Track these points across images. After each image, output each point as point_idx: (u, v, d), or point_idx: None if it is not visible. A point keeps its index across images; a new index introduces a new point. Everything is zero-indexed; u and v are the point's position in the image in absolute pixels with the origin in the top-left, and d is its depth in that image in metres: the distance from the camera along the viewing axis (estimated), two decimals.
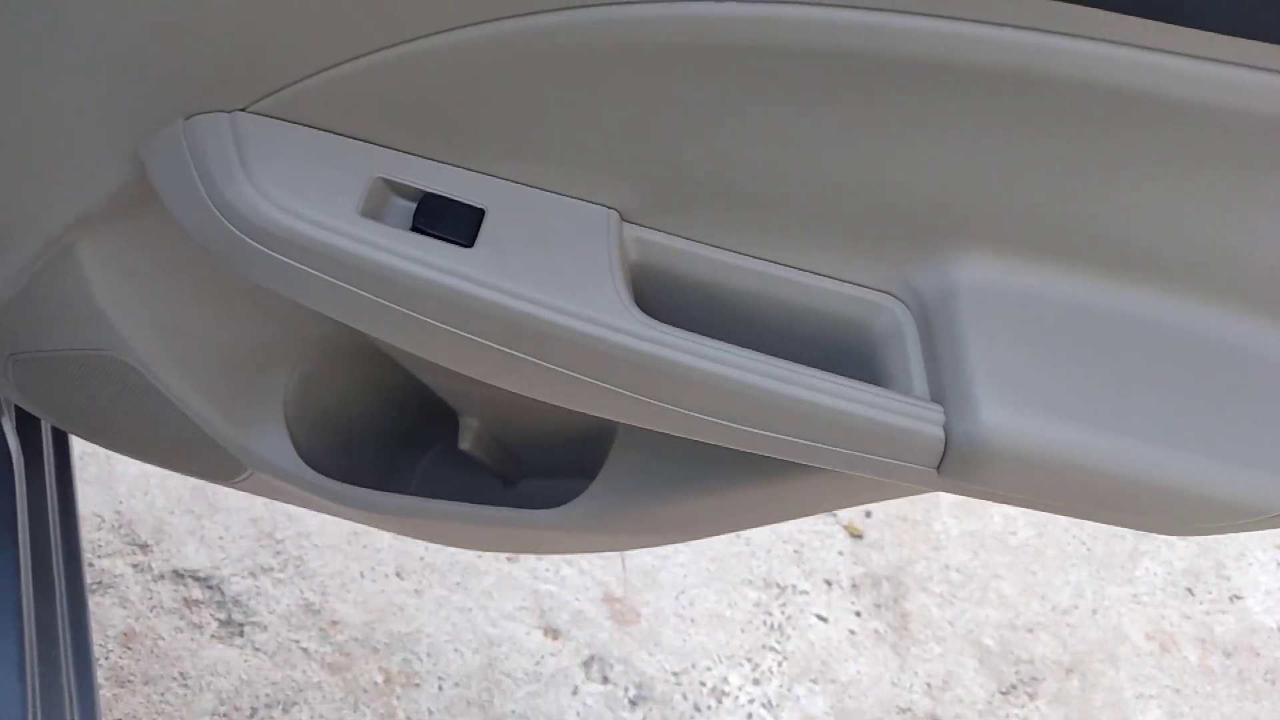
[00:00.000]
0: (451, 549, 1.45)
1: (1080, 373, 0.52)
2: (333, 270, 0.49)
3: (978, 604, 1.66)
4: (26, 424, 0.98)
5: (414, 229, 0.50)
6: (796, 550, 1.67)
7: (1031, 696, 1.56)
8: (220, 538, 1.40)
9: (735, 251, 0.54)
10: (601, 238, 0.51)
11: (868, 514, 1.74)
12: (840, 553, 1.69)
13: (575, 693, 1.40)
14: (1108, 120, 0.46)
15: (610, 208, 0.52)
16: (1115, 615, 1.67)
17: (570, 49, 0.45)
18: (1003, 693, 1.56)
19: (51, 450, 1.03)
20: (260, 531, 1.42)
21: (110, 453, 0.83)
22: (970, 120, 0.47)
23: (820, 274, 0.55)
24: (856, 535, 1.72)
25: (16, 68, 0.51)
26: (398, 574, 1.44)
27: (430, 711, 1.33)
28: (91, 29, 0.48)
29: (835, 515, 1.72)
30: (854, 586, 1.65)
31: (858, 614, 1.62)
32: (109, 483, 1.41)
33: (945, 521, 1.77)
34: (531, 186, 0.52)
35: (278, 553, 1.40)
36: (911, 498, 1.79)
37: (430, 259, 0.49)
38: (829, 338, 0.56)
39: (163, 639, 1.30)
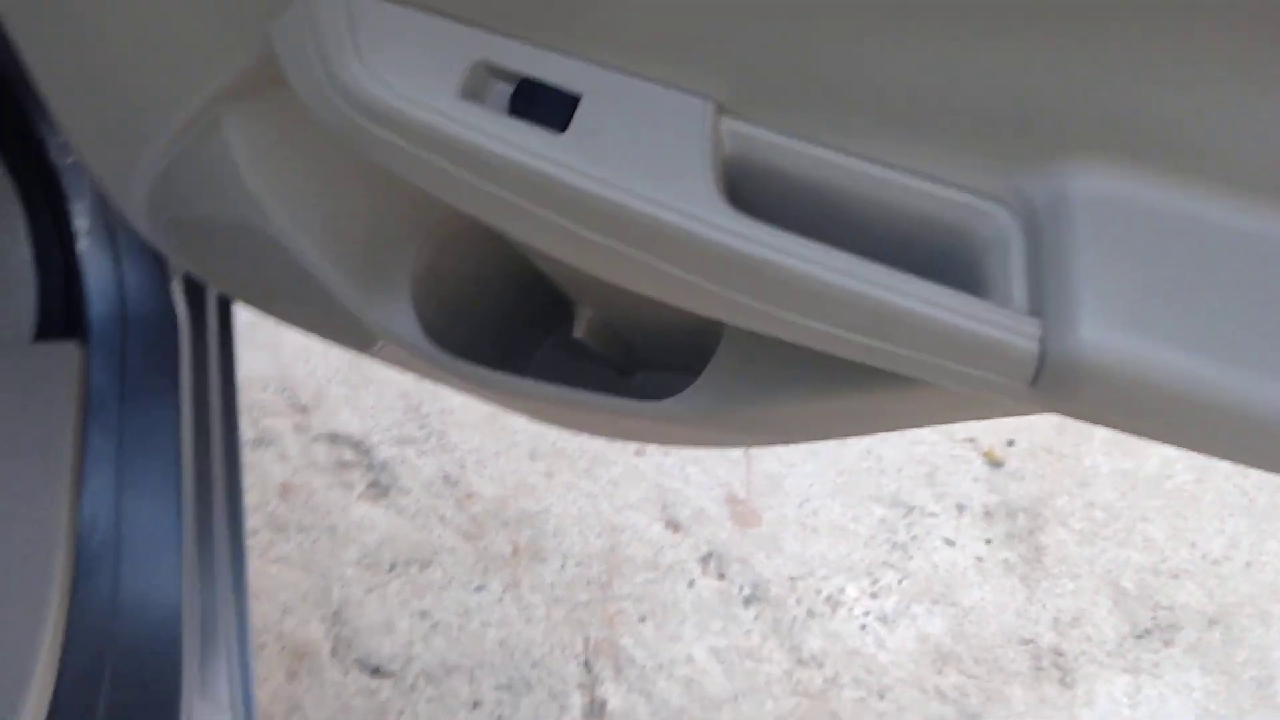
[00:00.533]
0: (581, 437, 1.50)
1: (1196, 298, 0.48)
2: (433, 149, 0.51)
3: (1120, 545, 1.59)
4: (194, 289, 1.07)
5: (510, 111, 0.51)
6: (929, 472, 1.64)
7: (1167, 644, 1.49)
8: (372, 407, 1.50)
9: (835, 149, 0.53)
10: (696, 129, 0.51)
11: (1010, 442, 1.68)
12: (976, 479, 1.65)
13: (691, 585, 1.44)
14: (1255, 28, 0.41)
15: (708, 98, 0.52)
16: (1273, 571, 1.56)
17: None
18: (1136, 636, 1.50)
19: (217, 312, 1.13)
20: (408, 405, 1.51)
21: (277, 322, 0.90)
22: (1103, 12, 0.43)
23: (926, 176, 0.53)
24: (996, 463, 1.67)
25: None
26: (531, 456, 1.50)
27: (552, 585, 1.40)
28: None
29: (974, 440, 1.67)
30: (987, 514, 1.61)
31: (988, 541, 1.58)
32: (275, 349, 1.52)
33: (1095, 458, 1.69)
34: (629, 74, 0.52)
35: (422, 426, 1.49)
36: (1061, 430, 1.72)
37: (520, 141, 0.50)
38: (929, 243, 0.54)
39: (315, 494, 1.41)
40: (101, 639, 0.87)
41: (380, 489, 1.43)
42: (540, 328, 0.92)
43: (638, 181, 0.49)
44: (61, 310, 0.95)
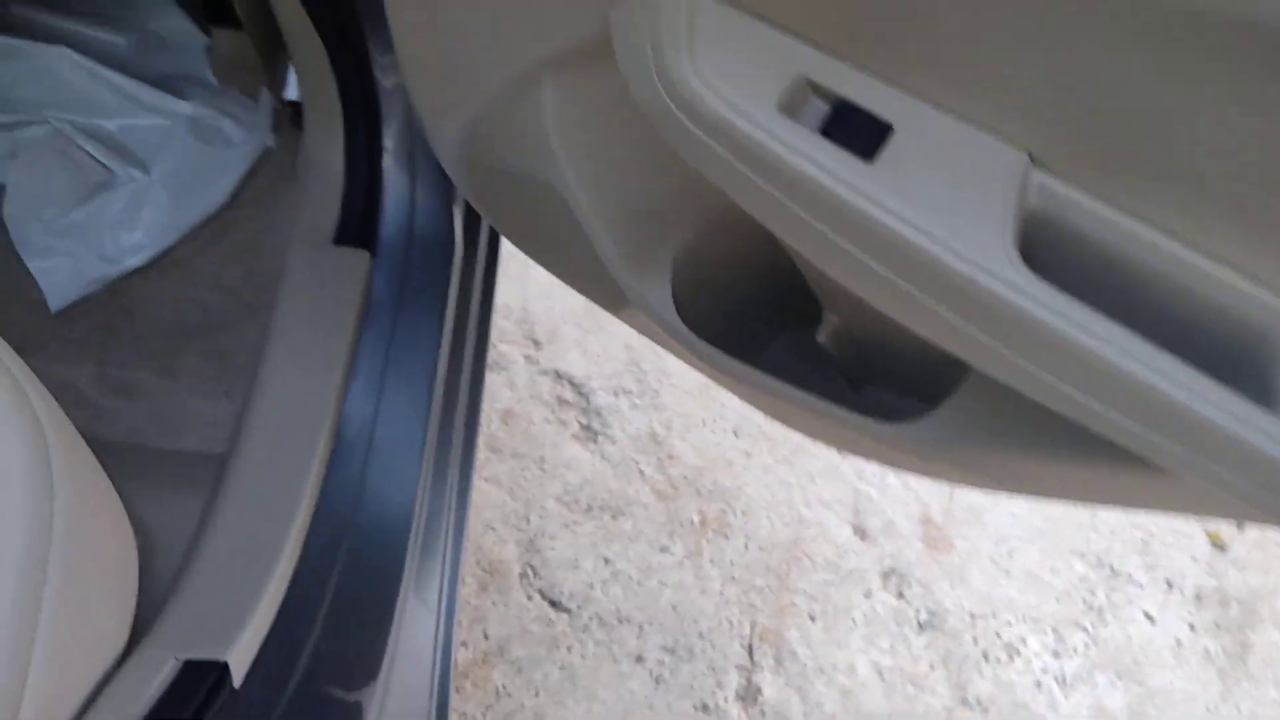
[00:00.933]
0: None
1: None
2: (744, 157, 0.54)
3: None
4: (472, 218, 1.15)
5: (823, 132, 0.53)
6: (1145, 539, 1.55)
7: None
8: (598, 354, 1.56)
9: (1148, 224, 0.51)
10: (1005, 179, 0.50)
11: (1241, 526, 1.56)
12: (1194, 558, 1.54)
13: (868, 596, 1.44)
14: None
15: (1023, 148, 0.51)
16: None
17: None
18: None
19: (486, 245, 1.21)
20: (630, 359, 1.57)
21: (528, 258, 0.97)
22: None
23: (1235, 268, 0.51)
24: (1220, 546, 1.56)
25: None
26: (734, 432, 1.53)
27: (732, 563, 1.43)
28: None
29: (1199, 518, 1.56)
30: (1198, 597, 1.51)
31: (1192, 626, 1.48)
32: (523, 282, 1.62)
33: None
34: (947, 111, 0.52)
35: (640, 380, 1.55)
36: None
37: (829, 165, 0.52)
38: (1219, 336, 0.52)
39: (533, 425, 1.50)
40: (344, 521, 0.97)
41: (591, 433, 1.50)
42: (781, 322, 0.94)
43: (937, 225, 0.50)
44: (359, 220, 1.05)
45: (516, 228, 0.97)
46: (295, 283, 1.03)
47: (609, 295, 0.93)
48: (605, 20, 0.62)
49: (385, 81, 1.07)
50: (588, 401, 1.52)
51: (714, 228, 0.85)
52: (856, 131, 0.52)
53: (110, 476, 0.82)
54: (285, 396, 0.98)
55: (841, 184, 0.52)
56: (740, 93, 0.53)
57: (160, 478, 0.99)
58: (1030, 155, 0.51)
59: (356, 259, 1.04)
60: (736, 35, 0.54)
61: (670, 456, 1.49)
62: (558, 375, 1.55)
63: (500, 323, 1.57)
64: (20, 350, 1.14)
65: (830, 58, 0.54)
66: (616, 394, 1.53)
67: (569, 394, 1.53)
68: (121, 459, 1.06)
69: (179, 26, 1.31)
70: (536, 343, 1.57)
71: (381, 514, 1.01)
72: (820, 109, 0.54)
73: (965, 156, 0.51)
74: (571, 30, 0.65)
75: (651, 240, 0.83)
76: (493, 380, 1.52)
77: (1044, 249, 0.54)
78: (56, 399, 1.17)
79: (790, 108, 0.53)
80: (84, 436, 1.10)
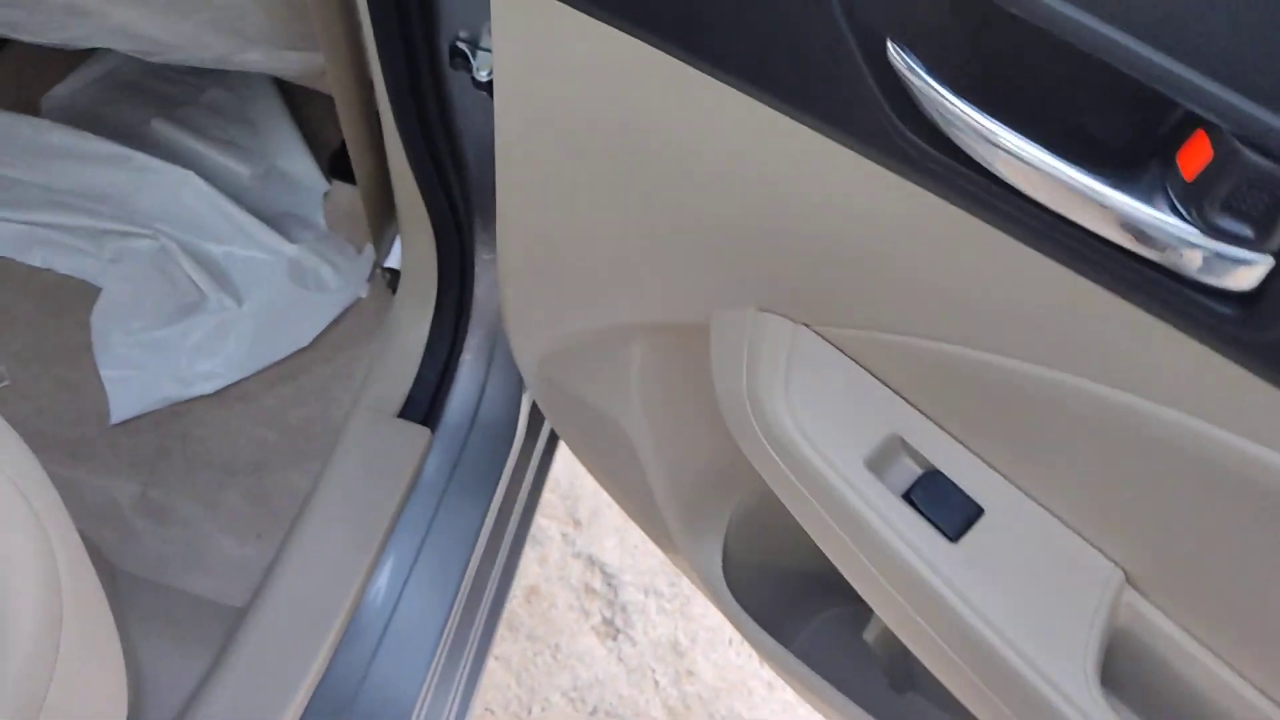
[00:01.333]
0: None
1: None
2: (823, 500, 0.52)
3: None
4: (537, 410, 1.14)
5: (907, 496, 0.51)
6: None
7: None
8: (636, 546, 1.53)
9: (1232, 667, 0.48)
10: (1095, 595, 0.48)
11: None
12: None
13: None
14: None
15: (1119, 566, 0.49)
16: None
17: (1142, 435, 0.43)
18: None
19: (546, 436, 1.20)
20: (667, 560, 1.53)
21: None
22: None
23: None
24: None
25: (647, 214, 0.60)
26: (760, 659, 1.47)
27: None
28: (713, 217, 0.55)
29: None
30: None
31: None
32: (574, 458, 1.60)
33: None
34: (1042, 505, 0.50)
35: (673, 584, 1.50)
36: None
37: (911, 537, 0.49)
38: None
39: (555, 608, 1.46)
40: (343, 706, 0.94)
41: (612, 629, 1.45)
42: (830, 599, 0.90)
43: (1018, 629, 0.47)
44: (428, 398, 1.05)
45: (580, 445, 0.96)
46: (351, 448, 1.03)
47: (658, 532, 0.91)
48: (705, 315, 0.62)
49: (481, 274, 1.09)
50: (615, 594, 1.48)
51: (767, 497, 0.83)
52: (944, 506, 0.50)
53: (122, 610, 0.80)
54: (314, 566, 0.96)
55: (921, 559, 0.49)
56: (830, 440, 0.52)
57: (169, 622, 0.98)
58: (1128, 574, 0.49)
59: (416, 435, 1.03)
60: (833, 376, 0.54)
61: (689, 672, 1.44)
62: (591, 561, 1.51)
63: (545, 495, 1.55)
64: (71, 455, 1.15)
65: (926, 420, 0.53)
66: (646, 592, 1.49)
67: (598, 582, 1.49)
68: (137, 593, 1.04)
69: (302, 167, 1.36)
70: (577, 522, 1.54)
71: (384, 704, 0.98)
72: (909, 470, 0.52)
73: (1057, 559, 0.49)
74: (674, 313, 0.65)
75: (710, 499, 0.82)
76: (525, 553, 1.49)
77: (1122, 665, 0.50)
78: (95, 512, 1.16)
79: (878, 464, 0.52)
80: (109, 557, 1.09)
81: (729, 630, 1.48)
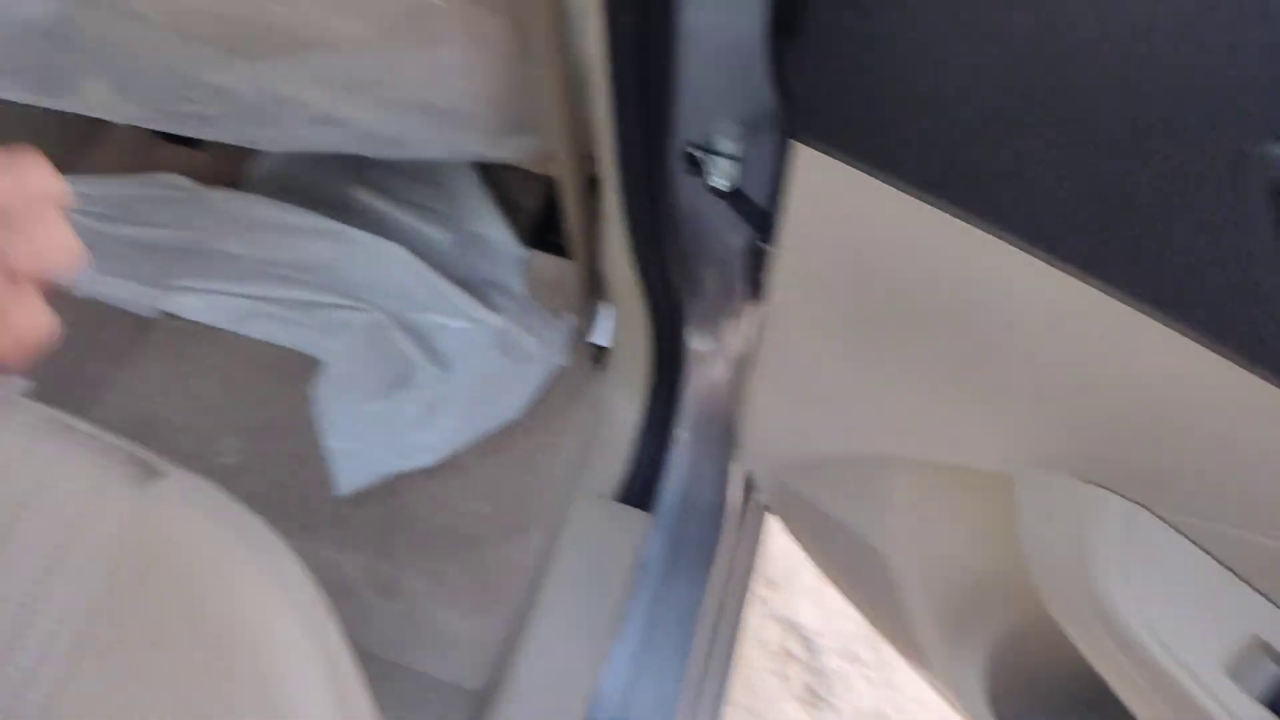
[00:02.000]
0: None
1: None
2: (1175, 703, 0.47)
3: None
4: (748, 489, 1.12)
5: (1271, 705, 0.46)
6: None
7: None
8: (832, 609, 1.49)
9: None
10: None
11: None
12: None
13: None
14: None
15: None
16: None
17: None
18: None
19: (757, 515, 1.18)
20: (866, 625, 1.48)
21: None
22: None
23: None
24: None
25: (936, 366, 0.56)
26: None
27: None
28: None
29: None
30: None
31: None
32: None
33: None
34: None
35: (875, 650, 1.45)
36: None
37: None
38: None
39: (755, 673, 1.43)
40: None
41: (814, 697, 1.42)
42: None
43: None
44: (644, 484, 1.05)
45: (814, 548, 0.93)
46: (577, 535, 1.03)
47: (908, 649, 0.87)
48: (997, 461, 0.58)
49: (690, 371, 1.07)
50: (816, 660, 1.44)
51: (1036, 617, 0.78)
52: None
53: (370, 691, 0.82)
54: (551, 654, 0.97)
55: None
56: (1183, 640, 0.47)
57: (414, 706, 1.00)
58: None
59: (639, 521, 1.03)
60: (1179, 566, 0.49)
61: None
62: (789, 624, 1.48)
63: None
64: (303, 527, 1.19)
65: None
66: (848, 659, 1.45)
67: (797, 648, 1.46)
68: (375, 672, 1.07)
69: (496, 234, 1.38)
70: (771, 582, 1.51)
71: None
72: (1270, 674, 0.47)
73: None
74: (953, 455, 0.61)
75: (973, 622, 0.77)
76: None
77: None
78: (327, 586, 1.20)
79: (1239, 667, 0.47)
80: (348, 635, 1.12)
81: (936, 701, 1.42)
